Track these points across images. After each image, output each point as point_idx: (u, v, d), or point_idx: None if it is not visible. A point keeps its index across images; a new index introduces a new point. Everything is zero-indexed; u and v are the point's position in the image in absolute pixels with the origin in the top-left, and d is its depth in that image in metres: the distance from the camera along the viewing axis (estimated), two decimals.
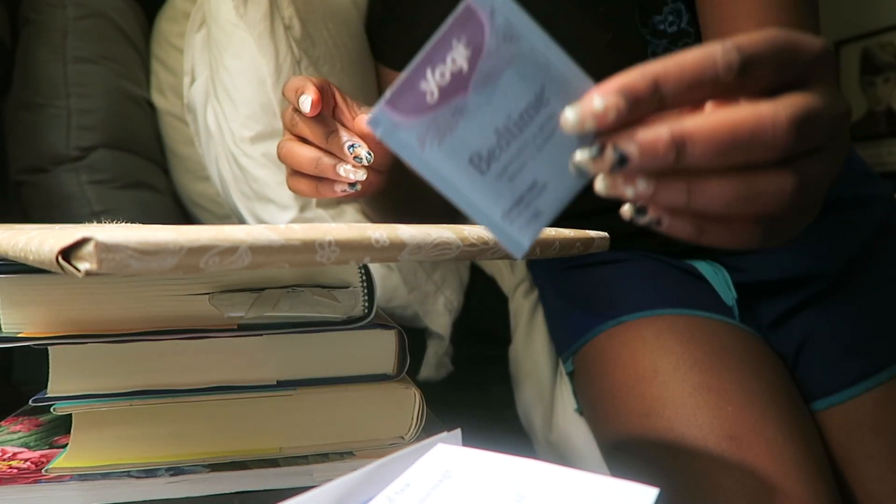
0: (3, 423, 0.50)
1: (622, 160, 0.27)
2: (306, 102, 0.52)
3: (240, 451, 0.43)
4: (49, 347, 0.40)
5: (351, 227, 0.33)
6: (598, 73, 0.68)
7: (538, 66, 0.28)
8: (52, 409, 0.41)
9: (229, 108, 0.77)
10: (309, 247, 0.30)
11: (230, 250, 0.28)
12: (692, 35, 0.67)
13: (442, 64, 0.27)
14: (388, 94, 0.27)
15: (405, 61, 1.01)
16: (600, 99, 0.27)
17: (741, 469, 0.58)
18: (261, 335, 0.42)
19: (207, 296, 0.41)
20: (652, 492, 0.27)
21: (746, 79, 0.28)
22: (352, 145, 0.52)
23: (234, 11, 0.74)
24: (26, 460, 0.42)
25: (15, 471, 0.41)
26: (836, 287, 0.72)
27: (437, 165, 0.27)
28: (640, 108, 0.27)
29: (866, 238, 0.73)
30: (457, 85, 0.27)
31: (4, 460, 0.42)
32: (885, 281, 0.72)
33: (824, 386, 0.71)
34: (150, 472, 0.40)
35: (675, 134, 0.26)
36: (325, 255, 0.31)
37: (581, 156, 0.28)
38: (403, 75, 0.27)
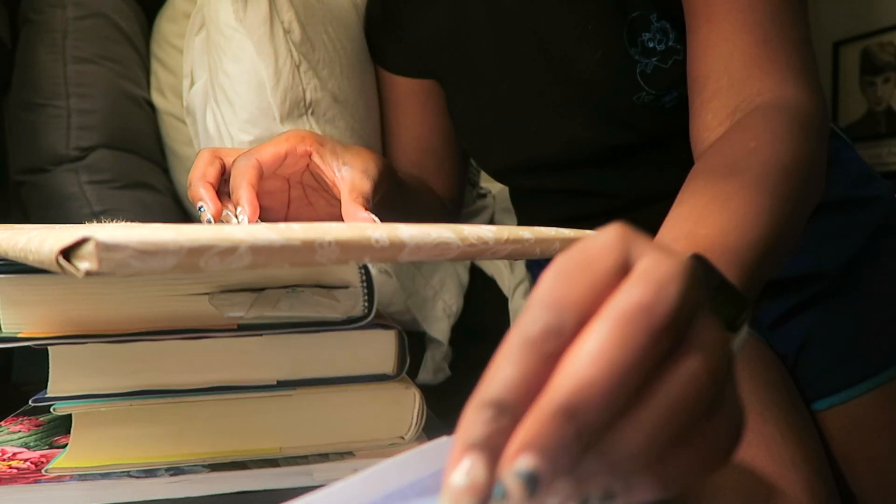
0: (3, 423, 0.50)
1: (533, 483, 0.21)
2: (206, 216, 0.52)
3: (240, 451, 0.43)
4: (49, 347, 0.40)
5: (351, 226, 0.33)
6: (589, 91, 0.68)
7: None
8: (52, 409, 0.41)
9: (228, 112, 0.77)
10: (309, 247, 0.30)
11: (230, 250, 0.28)
12: (680, 52, 0.66)
13: None
14: None
15: (404, 65, 1.00)
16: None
17: (739, 469, 0.58)
18: (261, 335, 0.42)
19: (207, 296, 0.41)
20: None
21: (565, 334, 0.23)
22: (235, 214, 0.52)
23: (233, 16, 0.74)
24: (26, 460, 0.42)
25: (15, 471, 0.41)
26: (836, 287, 0.72)
27: None
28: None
29: (867, 238, 0.73)
30: None
31: (4, 460, 0.42)
32: (886, 281, 0.72)
33: (825, 386, 0.71)
34: (150, 472, 0.40)
35: (559, 405, 0.21)
36: (325, 255, 0.31)
37: None
38: None
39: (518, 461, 0.21)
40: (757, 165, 0.45)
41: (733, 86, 0.54)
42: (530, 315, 0.23)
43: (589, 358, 0.21)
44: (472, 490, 0.21)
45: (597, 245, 0.25)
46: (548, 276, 0.24)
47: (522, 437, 0.21)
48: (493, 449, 0.22)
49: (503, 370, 0.23)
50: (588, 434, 0.22)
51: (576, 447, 0.21)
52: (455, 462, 0.22)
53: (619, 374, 0.21)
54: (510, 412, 0.22)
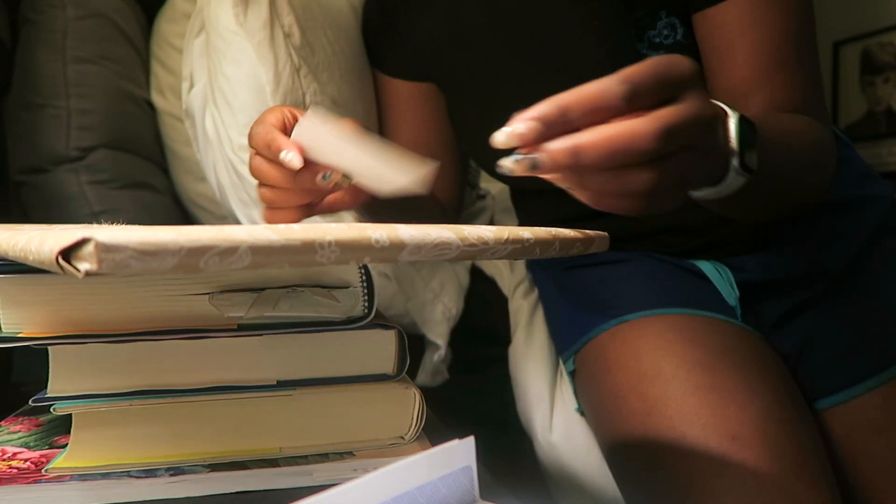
0: (3, 423, 0.50)
1: (535, 165, 0.37)
2: (295, 159, 0.51)
3: (240, 451, 0.43)
4: (49, 347, 0.40)
5: (351, 227, 0.33)
6: None
7: None
8: (52, 409, 0.41)
9: (228, 116, 0.77)
10: (309, 247, 0.30)
11: (230, 250, 0.28)
12: (687, 48, 0.67)
13: None
14: None
15: (402, 69, 1.01)
16: (523, 124, 0.36)
17: (743, 469, 0.58)
18: (261, 335, 0.42)
19: (207, 296, 0.41)
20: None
21: (633, 103, 0.36)
22: (324, 176, 0.52)
23: (233, 19, 0.74)
24: (26, 460, 0.42)
25: (15, 471, 0.41)
26: (838, 287, 0.72)
27: None
28: (553, 130, 0.36)
29: (868, 238, 0.73)
30: None
31: (4, 460, 0.42)
32: (888, 280, 0.72)
33: (827, 385, 0.71)
34: (150, 472, 0.40)
35: (571, 147, 0.36)
36: (325, 256, 0.31)
37: (507, 161, 0.37)
38: None
39: (539, 153, 0.36)
40: (792, 122, 0.59)
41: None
42: (615, 85, 0.36)
43: (604, 137, 0.36)
44: (511, 140, 0.36)
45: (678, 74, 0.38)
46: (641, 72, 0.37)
47: (548, 147, 0.36)
48: (539, 138, 0.36)
49: (574, 104, 0.36)
50: (578, 166, 0.36)
51: (568, 168, 0.36)
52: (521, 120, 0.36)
53: (611, 158, 0.36)
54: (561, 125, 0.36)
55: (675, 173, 0.38)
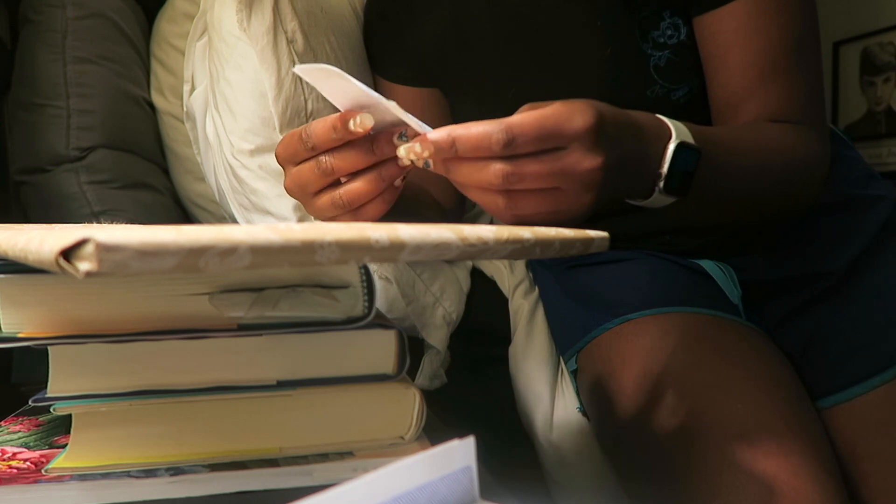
0: (3, 423, 0.50)
1: (427, 164, 0.45)
2: (367, 119, 0.46)
3: (240, 451, 0.43)
4: (49, 347, 0.40)
5: (350, 226, 0.33)
6: (599, 86, 0.72)
7: None
8: (52, 409, 0.41)
9: (229, 120, 0.77)
10: (308, 247, 0.30)
11: (230, 250, 0.28)
12: (690, 48, 0.67)
13: None
14: None
15: (404, 75, 1.01)
16: (419, 146, 0.43)
17: (750, 467, 0.58)
18: (261, 335, 0.42)
19: (207, 296, 0.41)
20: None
21: (511, 149, 0.41)
22: (400, 135, 0.47)
23: (237, 24, 0.74)
24: (26, 460, 0.42)
25: (15, 471, 0.41)
26: (842, 285, 0.72)
27: None
28: (443, 155, 0.43)
29: (871, 237, 0.73)
30: None
31: (4, 460, 0.42)
32: (891, 280, 0.72)
33: (830, 384, 0.71)
34: (150, 472, 0.40)
35: (448, 168, 0.44)
36: (325, 256, 0.31)
37: (406, 155, 0.45)
38: None
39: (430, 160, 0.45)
40: (769, 140, 0.62)
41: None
42: (499, 131, 0.42)
43: (465, 170, 0.45)
44: (409, 156, 0.45)
45: (567, 132, 0.43)
46: (530, 126, 0.42)
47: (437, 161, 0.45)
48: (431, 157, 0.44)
49: (469, 138, 0.42)
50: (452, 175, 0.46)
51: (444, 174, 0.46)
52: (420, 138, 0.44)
53: (470, 179, 0.45)
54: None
55: (526, 208, 0.44)
